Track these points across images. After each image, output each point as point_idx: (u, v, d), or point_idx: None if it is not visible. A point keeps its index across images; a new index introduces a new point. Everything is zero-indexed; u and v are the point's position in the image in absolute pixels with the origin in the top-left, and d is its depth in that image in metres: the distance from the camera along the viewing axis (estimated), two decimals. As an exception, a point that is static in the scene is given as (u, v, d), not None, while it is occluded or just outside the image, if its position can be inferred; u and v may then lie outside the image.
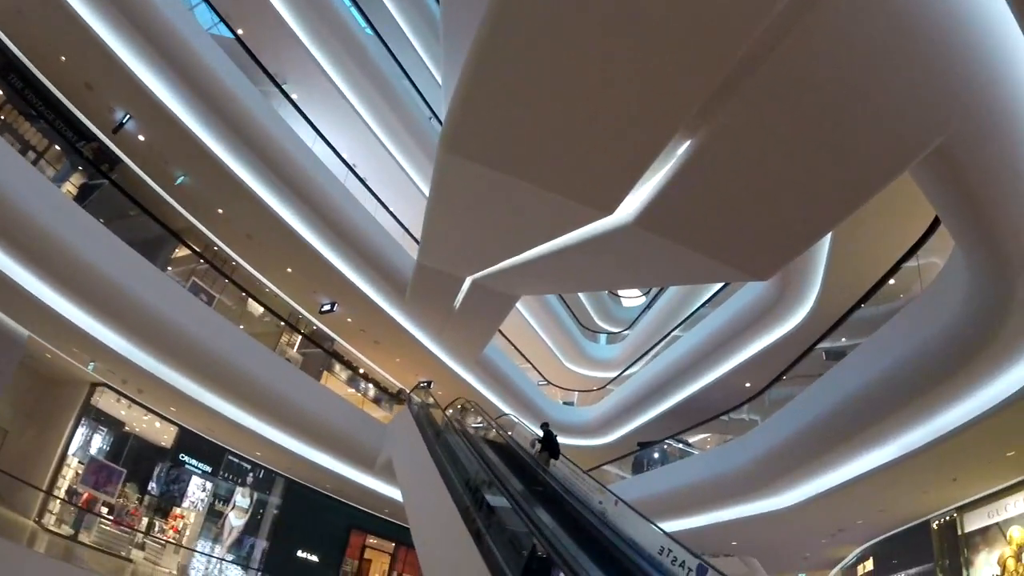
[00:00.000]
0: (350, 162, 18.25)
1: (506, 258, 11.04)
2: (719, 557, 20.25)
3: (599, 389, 25.87)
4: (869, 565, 14.78)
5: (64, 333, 12.89)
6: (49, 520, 14.10)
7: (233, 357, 14.39)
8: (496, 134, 6.57)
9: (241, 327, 16.52)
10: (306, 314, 20.11)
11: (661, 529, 10.48)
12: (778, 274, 14.82)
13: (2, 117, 13.48)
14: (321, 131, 17.16)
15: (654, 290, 27.01)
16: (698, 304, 21.50)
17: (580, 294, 29.63)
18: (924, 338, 9.06)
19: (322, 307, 19.19)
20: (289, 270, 18.15)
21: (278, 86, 16.67)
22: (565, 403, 26.46)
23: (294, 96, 17.67)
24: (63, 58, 13.13)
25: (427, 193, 10.52)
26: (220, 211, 16.48)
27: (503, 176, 7.05)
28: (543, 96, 5.84)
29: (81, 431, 15.46)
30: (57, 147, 14.29)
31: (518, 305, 24.09)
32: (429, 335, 19.49)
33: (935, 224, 9.87)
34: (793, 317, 15.51)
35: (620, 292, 32.50)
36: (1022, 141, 5.99)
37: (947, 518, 12.18)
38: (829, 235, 12.75)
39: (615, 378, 25.64)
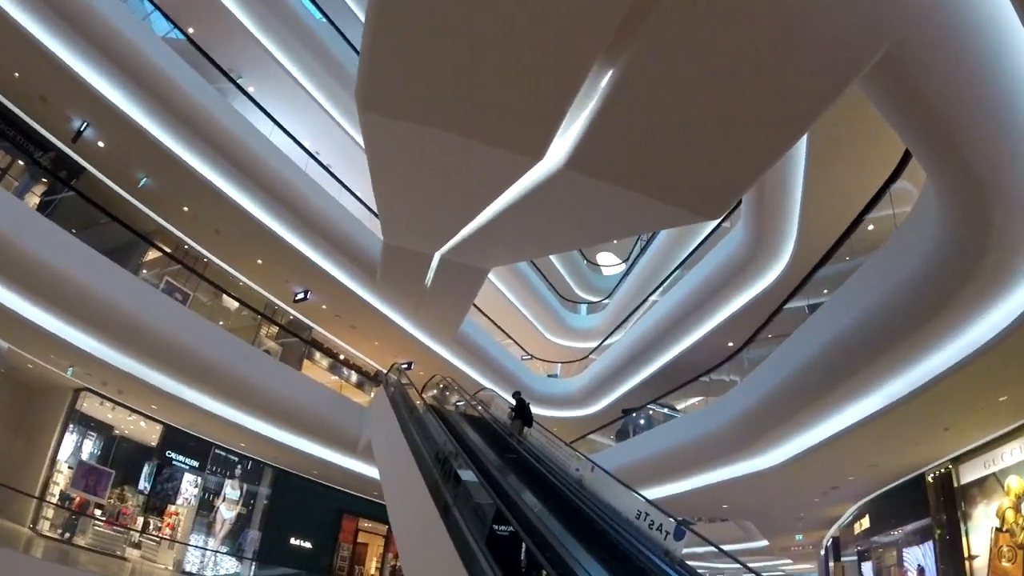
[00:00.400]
0: (313, 149, 17.92)
1: (460, 226, 10.66)
2: (716, 522, 19.85)
3: (582, 359, 25.31)
4: (866, 522, 14.25)
5: (41, 341, 12.81)
6: (44, 526, 14.20)
7: (207, 351, 14.20)
8: (408, 85, 6.17)
9: (221, 323, 16.90)
10: (282, 304, 19.70)
11: (638, 493, 9.95)
12: (752, 228, 14.44)
13: None
14: (280, 121, 16.78)
15: (633, 256, 26.32)
16: (674, 266, 20.73)
17: (558, 265, 29.23)
18: (899, 280, 8.40)
19: (296, 296, 18.80)
20: (260, 261, 17.80)
21: (232, 81, 16.36)
22: (549, 375, 25.88)
23: (251, 89, 17.30)
24: (16, 74, 13.04)
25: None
26: (185, 209, 16.24)
27: (425, 129, 6.66)
28: (448, 41, 5.46)
29: (69, 436, 15.41)
30: (20, 162, 14.22)
31: (496, 281, 23.68)
32: (404, 316, 19.07)
33: (905, 158, 9.06)
34: (770, 272, 14.92)
35: (599, 261, 31.87)
36: (977, 45, 5.42)
37: (942, 470, 11.46)
38: (801, 183, 12.05)
39: (596, 347, 25.16)
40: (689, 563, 8.41)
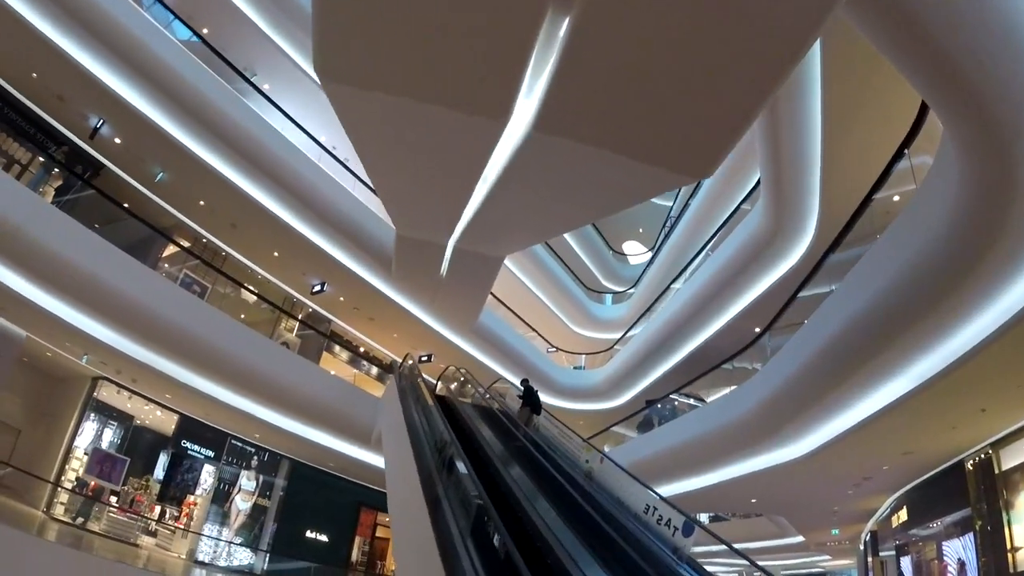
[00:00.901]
0: (328, 143, 17.64)
1: (458, 208, 10.07)
2: (751, 518, 18.86)
3: (607, 350, 24.38)
4: (903, 515, 13.12)
5: (56, 330, 12.95)
6: (59, 511, 14.29)
7: (221, 343, 14.02)
8: (362, 51, 5.74)
9: (242, 316, 17.21)
10: (300, 297, 19.33)
11: (647, 486, 9.06)
12: (771, 205, 13.50)
13: None
14: (295, 117, 16.57)
15: (658, 244, 25.38)
16: (695, 251, 19.76)
17: (583, 256, 28.53)
18: (920, 246, 7.47)
19: (313, 288, 18.44)
20: (276, 254, 17.56)
21: (246, 79, 16.18)
22: (575, 368, 24.99)
23: (265, 86, 17.12)
24: (34, 74, 13.27)
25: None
26: (202, 203, 16.16)
27: (390, 97, 6.22)
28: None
29: (88, 424, 15.53)
30: (40, 159, 14.48)
31: (519, 273, 23.02)
32: (421, 307, 18.59)
33: (922, 115, 8.10)
34: (794, 251, 13.93)
35: (626, 250, 30.92)
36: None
37: (981, 456, 10.31)
38: (818, 154, 11.06)
39: (621, 338, 24.15)
40: (707, 561, 7.61)
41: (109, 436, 15.92)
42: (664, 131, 5.98)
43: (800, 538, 17.82)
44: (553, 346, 24.71)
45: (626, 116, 5.86)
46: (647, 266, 25.60)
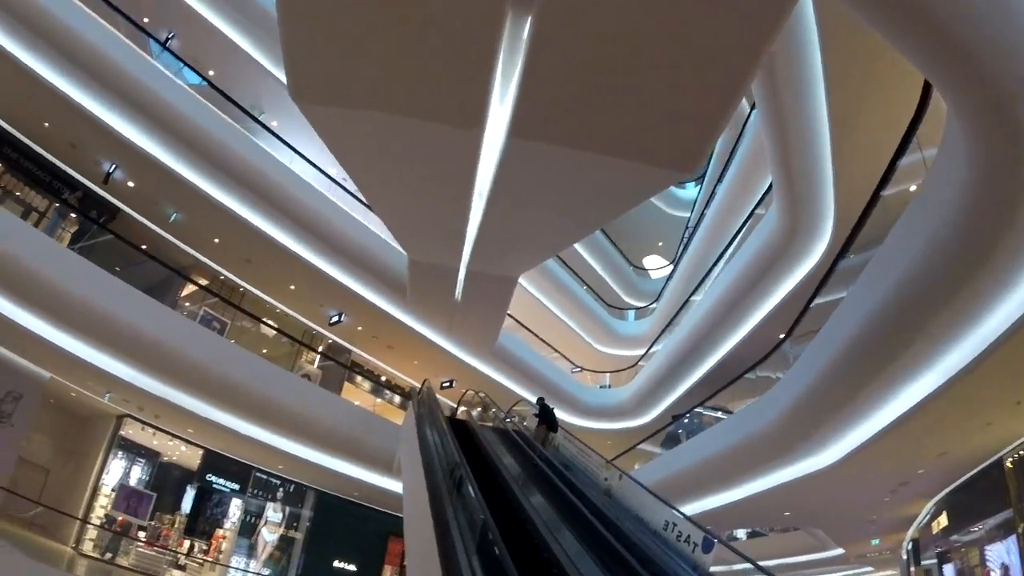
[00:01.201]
0: (339, 175, 17.24)
1: (458, 226, 9.92)
2: (789, 531, 18.17)
3: (632, 367, 23.87)
4: (943, 520, 12.42)
5: (78, 370, 13.05)
6: (87, 546, 14.39)
7: (241, 377, 14.05)
8: (331, 69, 5.78)
9: (264, 351, 17.51)
10: (319, 329, 19.23)
11: (665, 502, 8.73)
12: (785, 207, 13.10)
13: (3, 186, 14.02)
14: (303, 151, 16.57)
15: (677, 256, 24.88)
16: (714, 260, 19.32)
17: (602, 273, 28.27)
18: (933, 233, 7.09)
19: (331, 319, 18.38)
20: (292, 287, 17.55)
21: (254, 118, 16.40)
22: (601, 387, 24.49)
23: (273, 123, 17.34)
24: (46, 124, 13.54)
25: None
26: (216, 241, 16.26)
27: (365, 113, 6.24)
28: (356, 16, 5.04)
29: (113, 461, 15.65)
30: (57, 204, 14.75)
31: (538, 295, 22.81)
32: (439, 332, 18.36)
33: (926, 95, 7.74)
34: (813, 251, 13.46)
35: (646, 264, 30.48)
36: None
37: (1021, 453, 9.75)
38: (828, 150, 10.66)
39: (645, 354, 23.61)
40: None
41: (136, 472, 16.04)
42: (641, 126, 5.79)
43: (840, 550, 17.09)
44: (577, 366, 24.27)
45: (601, 114, 5.70)
46: (668, 279, 25.15)
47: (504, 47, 5.14)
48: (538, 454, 11.33)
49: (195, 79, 15.76)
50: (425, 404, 14.30)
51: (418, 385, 20.07)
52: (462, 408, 17.13)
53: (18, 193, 14.18)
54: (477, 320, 16.08)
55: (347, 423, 15.84)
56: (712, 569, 7.10)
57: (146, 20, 15.16)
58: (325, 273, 16.15)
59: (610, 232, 28.57)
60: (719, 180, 20.45)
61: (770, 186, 13.81)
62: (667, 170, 6.25)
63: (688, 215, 26.92)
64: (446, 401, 20.31)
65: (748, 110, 18.39)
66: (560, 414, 20.19)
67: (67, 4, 12.18)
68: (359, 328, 18.74)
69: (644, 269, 30.52)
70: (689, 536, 7.53)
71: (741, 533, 21.35)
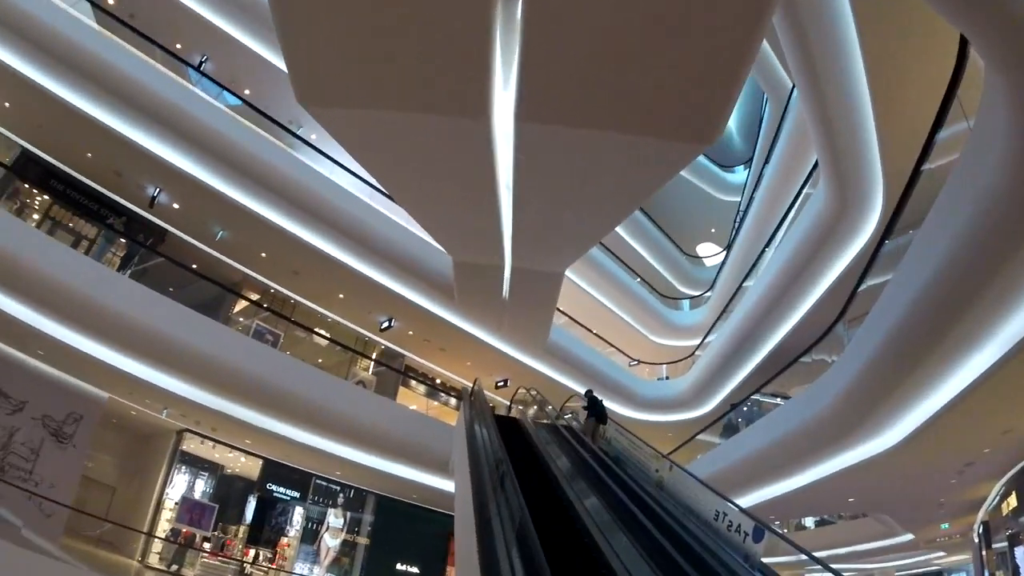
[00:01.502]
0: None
1: (491, 221, 9.77)
2: (857, 519, 17.69)
3: (689, 357, 23.54)
4: (1012, 501, 11.91)
5: (137, 389, 13.92)
6: (153, 559, 15.09)
7: (295, 387, 14.37)
8: (332, 71, 5.84)
9: (320, 360, 18.25)
10: (371, 335, 19.63)
11: (714, 491, 8.54)
12: (832, 182, 12.76)
13: (53, 217, 14.96)
14: (342, 161, 16.67)
15: (730, 242, 24.46)
16: (763, 243, 18.93)
17: (655, 264, 27.96)
18: (980, 194, 6.81)
19: (381, 325, 18.64)
20: (341, 296, 17.91)
21: (292, 133, 16.72)
22: (660, 379, 24.22)
23: (312, 136, 17.67)
24: (88, 154, 14.38)
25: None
26: (264, 255, 16.71)
27: (371, 112, 6.28)
28: (347, 14, 5.05)
29: (175, 475, 16.31)
30: (103, 231, 15.38)
31: (591, 290, 22.78)
32: (489, 332, 18.40)
33: (963, 53, 7.45)
34: (864, 229, 13.03)
35: (700, 252, 29.99)
36: None
37: (1089, 428, 9.30)
38: (871, 124, 10.37)
39: (701, 343, 23.22)
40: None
41: (199, 485, 16.70)
42: (651, 99, 5.64)
43: (909, 536, 16.54)
44: (634, 359, 24.06)
45: (607, 90, 5.58)
46: (720, 266, 24.79)
47: (499, 29, 5.10)
48: (587, 449, 11.27)
49: (234, 100, 16.26)
50: (476, 404, 14.40)
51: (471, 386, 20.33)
52: (516, 407, 17.14)
53: (71, 224, 14.98)
54: (527, 317, 15.94)
55: (402, 427, 16.04)
56: (780, 559, 6.99)
57: (178, 46, 15.74)
58: (372, 280, 16.42)
59: (660, 221, 28.28)
60: (766, 161, 20.03)
61: (816, 164, 13.48)
62: (685, 143, 6.12)
63: (738, 199, 26.43)
64: (501, 400, 20.41)
65: (790, 87, 17.98)
66: (619, 408, 20.21)
67: (103, 39, 12.89)
68: (410, 332, 19.00)
69: (698, 257, 30.08)
70: (740, 525, 7.40)
71: (809, 522, 20.89)
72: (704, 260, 29.89)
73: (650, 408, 21.35)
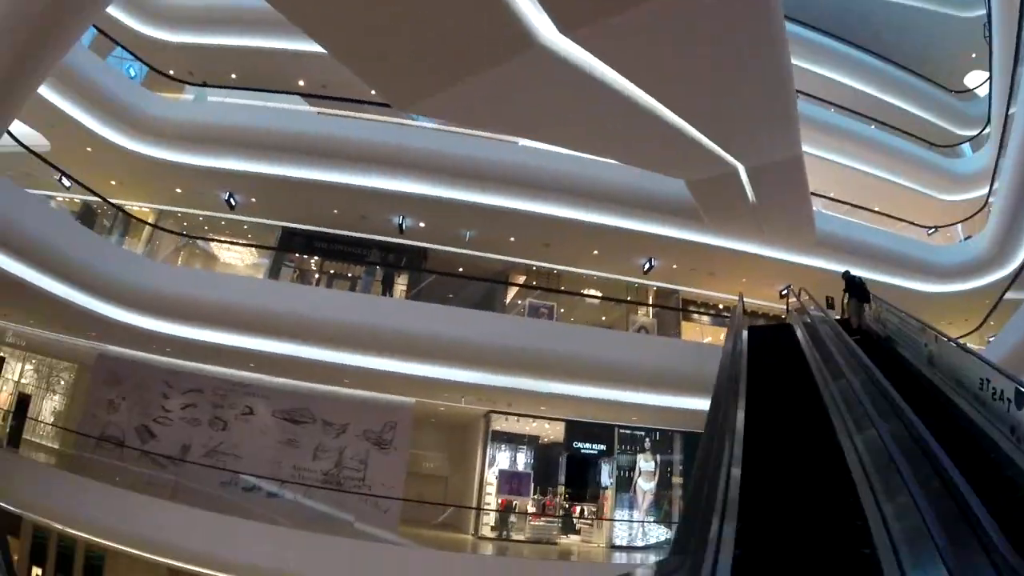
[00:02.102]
0: None
1: (668, 134, 10.30)
2: None
3: (983, 208, 20.63)
4: None
5: (436, 387, 16.48)
6: (486, 530, 17.54)
7: (575, 349, 15.60)
8: (396, 76, 7.06)
9: (603, 318, 20.29)
10: (638, 280, 20.23)
11: (976, 355, 7.87)
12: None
13: (326, 271, 19.35)
14: None
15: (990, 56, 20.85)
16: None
17: (920, 112, 24.94)
18: None
19: (644, 268, 19.11)
20: (596, 252, 18.71)
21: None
22: (967, 239, 21.60)
23: None
24: (335, 211, 17.68)
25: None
26: (512, 239, 18.29)
27: (443, 92, 7.39)
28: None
29: (495, 453, 18.65)
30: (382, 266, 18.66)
31: (857, 165, 21.86)
32: (753, 241, 17.80)
33: None
34: None
35: (969, 83, 25.79)
36: None
37: None
38: None
39: (991, 188, 20.06)
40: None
41: (514, 457, 18.91)
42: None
43: None
44: (929, 227, 21.70)
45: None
46: (989, 93, 21.36)
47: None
48: (851, 331, 10.91)
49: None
50: (737, 317, 14.44)
51: (755, 302, 20.04)
52: (791, 312, 16.61)
53: (349, 274, 18.49)
54: (783, 213, 15.73)
55: (688, 361, 16.16)
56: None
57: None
58: (612, 226, 16.85)
59: (911, 65, 25.16)
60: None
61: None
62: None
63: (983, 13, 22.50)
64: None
65: None
66: (918, 286, 18.72)
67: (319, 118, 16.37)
68: (674, 266, 19.19)
69: (968, 90, 26.12)
70: (1003, 391, 6.83)
71: None
72: (976, 92, 25.83)
73: (952, 277, 19.13)
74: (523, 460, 19.01)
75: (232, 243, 19.87)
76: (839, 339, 9.71)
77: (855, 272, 15.35)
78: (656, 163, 13.51)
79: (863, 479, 5.40)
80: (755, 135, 11.79)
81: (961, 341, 8.62)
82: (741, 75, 8.40)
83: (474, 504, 17.70)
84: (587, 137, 10.84)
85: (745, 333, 13.02)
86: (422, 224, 17.59)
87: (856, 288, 13.87)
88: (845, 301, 14.01)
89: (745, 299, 17.57)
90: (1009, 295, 16.58)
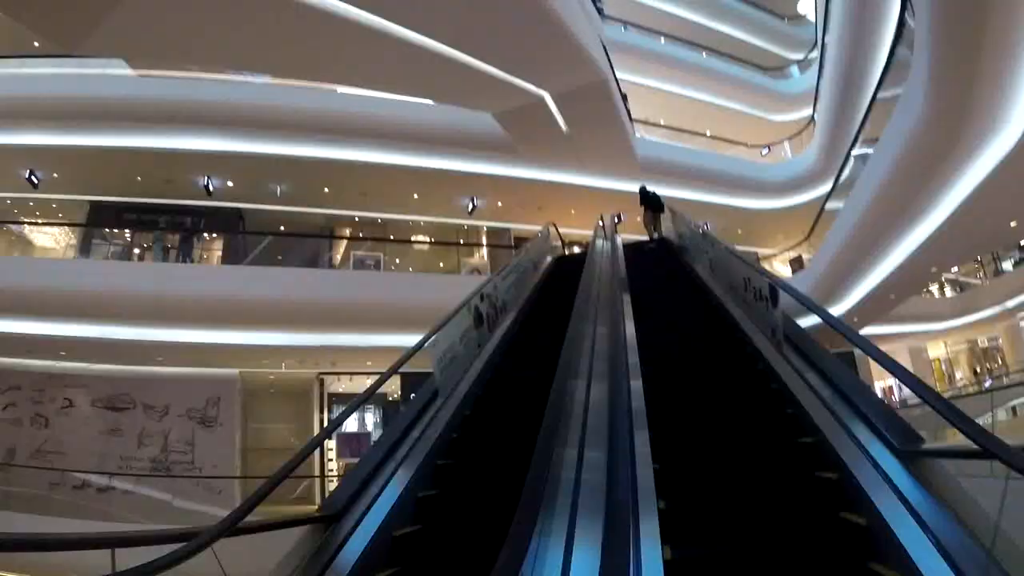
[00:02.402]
0: None
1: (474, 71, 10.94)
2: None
3: (810, 125, 20.90)
4: None
5: (255, 355, 15.47)
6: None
7: (403, 297, 14.40)
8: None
9: (441, 264, 19.30)
10: (465, 222, 19.48)
11: (733, 253, 7.30)
12: None
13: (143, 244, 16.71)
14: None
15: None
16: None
17: (751, 39, 25.23)
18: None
19: (467, 208, 18.39)
20: (416, 196, 17.81)
21: None
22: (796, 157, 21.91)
23: None
24: (139, 178, 15.93)
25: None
26: (326, 190, 17.12)
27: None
28: None
29: (331, 417, 17.53)
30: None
31: (689, 92, 21.66)
32: (575, 171, 17.33)
33: None
34: None
35: (801, 10, 26.27)
36: None
37: None
38: None
39: (815, 105, 20.22)
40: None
41: (362, 419, 18.31)
42: None
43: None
44: (761, 146, 21.87)
45: None
46: (816, 17, 21.52)
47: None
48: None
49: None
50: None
51: (590, 233, 19.45)
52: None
53: (168, 245, 16.42)
54: (600, 141, 15.50)
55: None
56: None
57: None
58: (427, 168, 16.10)
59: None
60: None
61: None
62: None
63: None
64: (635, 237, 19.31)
65: None
66: (752, 203, 18.73)
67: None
68: (499, 204, 18.54)
69: (799, 16, 26.42)
70: (760, 290, 6.10)
71: (1008, 264, 18.36)
72: (807, 17, 26.06)
73: (783, 192, 19.37)
74: (372, 420, 18.19)
75: (33, 224, 17.58)
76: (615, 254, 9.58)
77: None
78: (449, 96, 13.16)
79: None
80: (543, 62, 11.60)
81: (735, 248, 8.02)
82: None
83: (318, 471, 16.46)
84: (346, 73, 10.27)
85: (549, 258, 12.97)
86: (230, 183, 16.26)
87: (650, 201, 13.88)
88: (643, 214, 13.91)
89: (574, 229, 17.53)
90: (830, 205, 16.62)
